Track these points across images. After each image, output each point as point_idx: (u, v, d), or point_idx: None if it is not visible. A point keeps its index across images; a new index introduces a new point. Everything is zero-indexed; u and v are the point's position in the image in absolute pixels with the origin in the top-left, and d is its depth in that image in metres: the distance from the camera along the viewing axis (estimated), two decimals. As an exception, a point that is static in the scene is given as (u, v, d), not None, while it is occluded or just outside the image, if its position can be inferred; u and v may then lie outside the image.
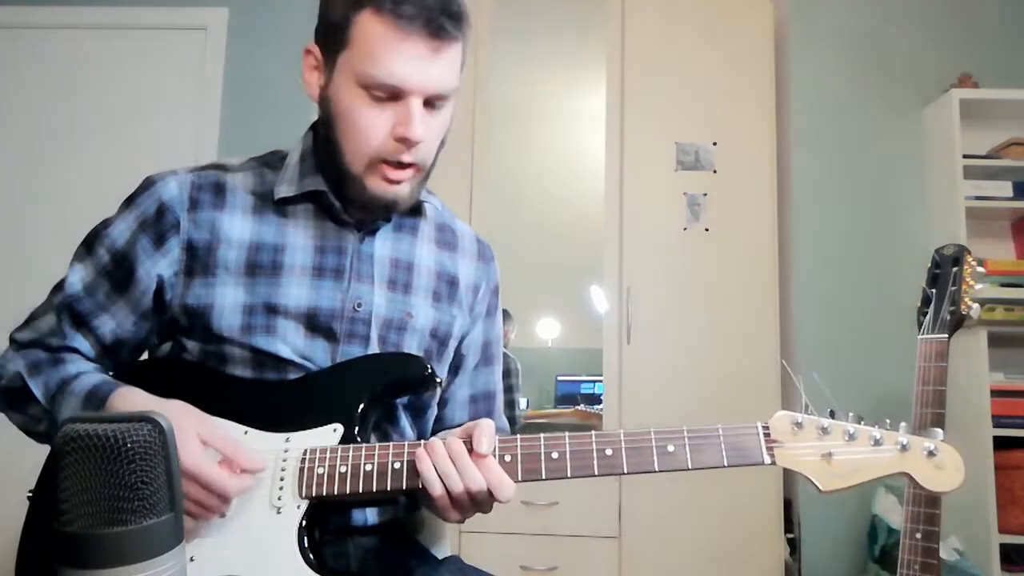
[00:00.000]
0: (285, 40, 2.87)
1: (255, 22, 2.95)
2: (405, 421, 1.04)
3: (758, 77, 2.73)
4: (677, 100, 2.73)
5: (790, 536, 2.54)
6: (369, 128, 0.90)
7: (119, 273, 0.96)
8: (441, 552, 1.12)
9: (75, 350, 0.97)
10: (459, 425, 1.10)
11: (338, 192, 0.97)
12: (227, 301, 0.94)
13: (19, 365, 0.94)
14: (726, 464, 0.83)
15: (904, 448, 0.81)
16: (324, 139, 0.96)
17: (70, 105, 2.96)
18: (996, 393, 2.34)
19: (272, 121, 2.81)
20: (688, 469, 0.84)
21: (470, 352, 1.12)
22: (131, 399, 0.88)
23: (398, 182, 0.93)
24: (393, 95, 0.89)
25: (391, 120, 0.90)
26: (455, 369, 1.11)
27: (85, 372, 0.93)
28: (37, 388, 0.91)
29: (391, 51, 0.87)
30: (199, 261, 0.95)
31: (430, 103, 0.91)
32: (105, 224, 0.99)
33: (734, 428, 0.84)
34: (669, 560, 2.47)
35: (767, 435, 0.84)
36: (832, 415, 0.84)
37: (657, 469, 0.84)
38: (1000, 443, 2.30)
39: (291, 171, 0.99)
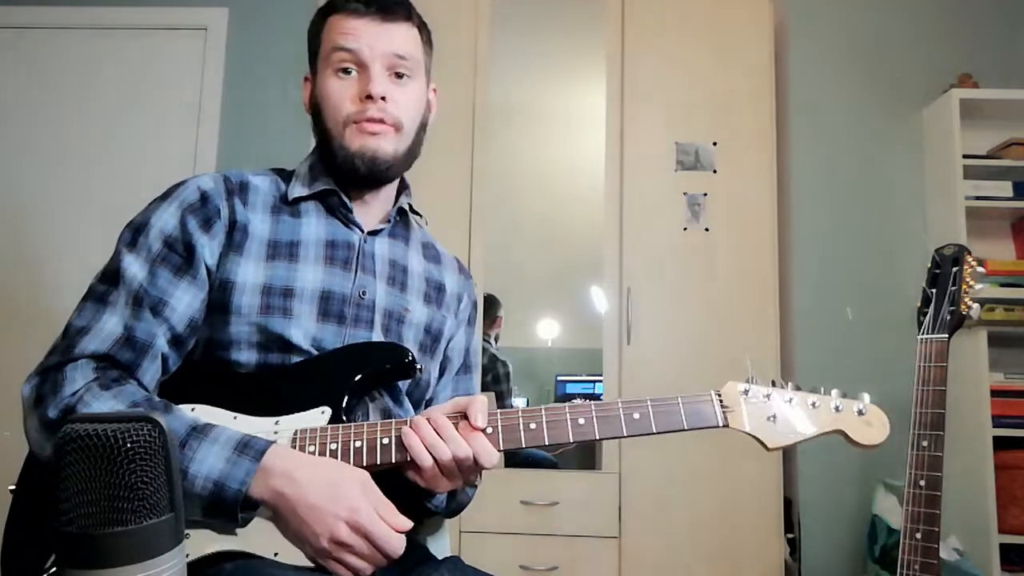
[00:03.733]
0: (285, 40, 2.87)
1: (255, 22, 2.95)
2: (405, 396, 1.08)
3: (758, 77, 2.73)
4: (677, 100, 2.73)
5: (790, 536, 2.54)
6: (340, 97, 1.03)
7: (175, 257, 0.97)
8: (441, 552, 1.12)
9: (152, 352, 0.93)
10: None
11: (336, 177, 1.06)
12: (248, 280, 0.98)
13: (122, 403, 0.86)
14: (686, 427, 0.93)
15: (838, 409, 0.94)
16: (317, 136, 1.07)
17: (70, 105, 2.96)
18: (996, 393, 2.34)
19: (272, 121, 2.81)
20: (653, 432, 0.93)
21: (454, 355, 1.19)
22: (288, 453, 0.86)
23: (374, 133, 1.02)
24: (358, 65, 1.03)
25: (358, 87, 1.03)
26: (441, 371, 1.17)
27: (212, 423, 0.88)
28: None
29: (348, 27, 1.03)
30: (235, 245, 1.00)
31: (396, 74, 1.04)
32: (144, 217, 0.99)
33: (691, 397, 0.96)
34: (669, 560, 2.47)
35: (720, 402, 0.95)
36: (772, 384, 0.96)
37: (625, 434, 0.93)
38: (1000, 443, 2.30)
39: (303, 177, 1.08)
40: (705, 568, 2.46)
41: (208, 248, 0.98)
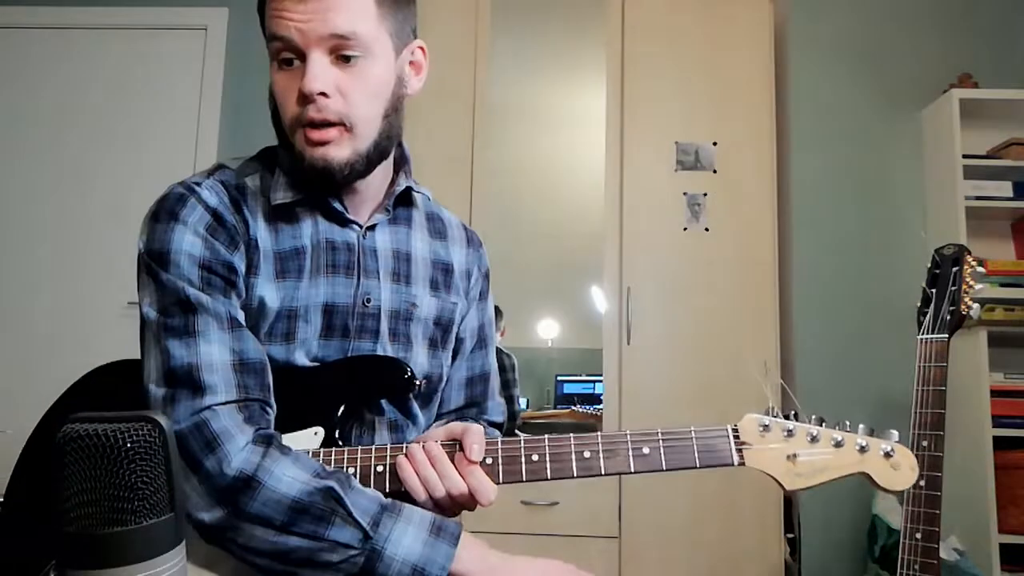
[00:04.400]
0: (285, 40, 2.86)
1: (255, 22, 2.94)
2: (417, 409, 1.04)
3: (758, 77, 2.73)
4: (677, 100, 2.73)
5: (790, 536, 2.54)
6: (283, 94, 0.90)
7: (217, 280, 0.88)
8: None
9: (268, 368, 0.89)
10: (455, 408, 1.12)
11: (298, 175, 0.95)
12: (266, 304, 0.92)
13: (297, 473, 0.80)
14: (698, 465, 0.86)
15: (863, 449, 0.85)
16: (277, 135, 0.96)
17: (70, 105, 2.97)
18: (996, 393, 2.34)
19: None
20: (663, 470, 0.86)
21: (467, 335, 1.13)
22: (482, 549, 0.83)
23: (321, 143, 0.89)
24: (298, 56, 0.88)
25: (299, 83, 0.88)
26: (454, 353, 1.12)
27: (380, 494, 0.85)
28: (358, 510, 0.79)
29: (277, 6, 0.87)
30: (253, 264, 0.92)
31: (341, 57, 0.88)
32: (162, 245, 0.88)
33: (706, 430, 0.87)
34: (669, 560, 2.47)
35: (736, 437, 0.87)
36: (796, 417, 0.87)
37: (633, 471, 0.86)
38: (1000, 443, 2.30)
39: (282, 177, 0.97)
40: (705, 568, 2.46)
41: (239, 267, 0.90)
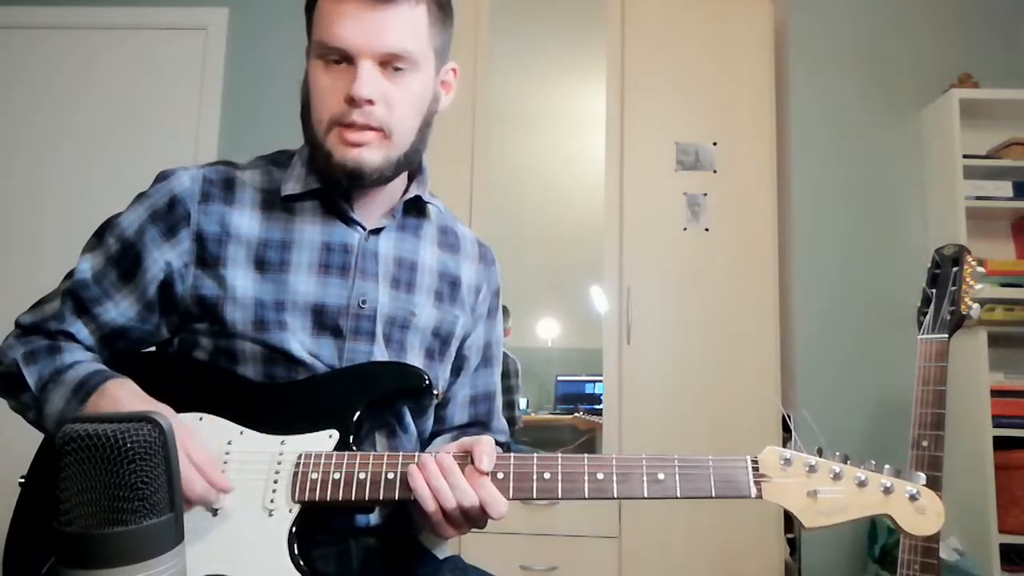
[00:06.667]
0: (285, 40, 2.86)
1: (255, 22, 2.95)
2: (409, 418, 1.04)
3: (758, 77, 2.72)
4: (677, 100, 2.73)
5: (790, 536, 2.54)
6: (325, 93, 0.93)
7: (126, 262, 0.96)
8: (442, 552, 1.12)
9: (72, 336, 0.96)
10: (458, 426, 1.12)
11: (324, 176, 0.97)
12: (237, 294, 0.94)
13: (17, 352, 0.94)
14: (714, 495, 0.84)
15: (888, 491, 0.83)
16: (304, 131, 0.98)
17: (70, 105, 2.97)
18: (996, 393, 2.34)
19: (272, 121, 2.81)
20: (677, 497, 0.85)
21: (472, 353, 1.12)
22: (118, 395, 0.88)
23: (357, 144, 0.92)
24: (346, 59, 0.91)
25: (345, 84, 0.91)
26: (457, 370, 1.11)
27: (80, 362, 0.93)
28: (31, 377, 0.92)
29: (335, 13, 0.90)
30: (210, 253, 0.95)
31: (390, 67, 0.92)
32: (117, 215, 1.00)
33: (724, 460, 0.86)
34: (669, 560, 2.47)
35: (755, 469, 0.85)
36: (819, 453, 0.86)
37: (647, 496, 0.85)
38: (1000, 443, 2.30)
39: (298, 169, 1.00)
40: (705, 568, 2.46)
41: (165, 258, 0.95)
